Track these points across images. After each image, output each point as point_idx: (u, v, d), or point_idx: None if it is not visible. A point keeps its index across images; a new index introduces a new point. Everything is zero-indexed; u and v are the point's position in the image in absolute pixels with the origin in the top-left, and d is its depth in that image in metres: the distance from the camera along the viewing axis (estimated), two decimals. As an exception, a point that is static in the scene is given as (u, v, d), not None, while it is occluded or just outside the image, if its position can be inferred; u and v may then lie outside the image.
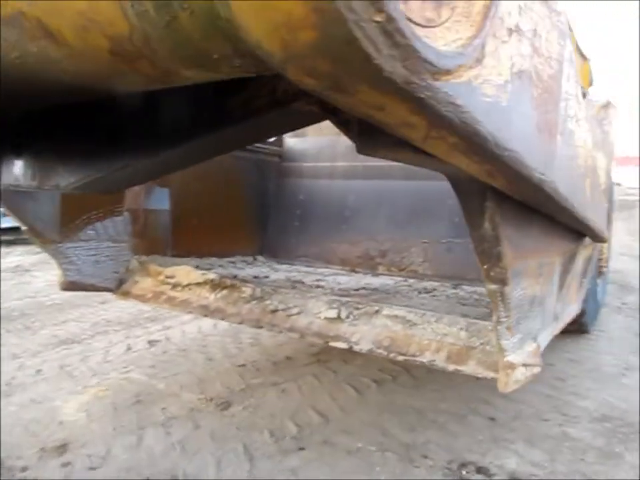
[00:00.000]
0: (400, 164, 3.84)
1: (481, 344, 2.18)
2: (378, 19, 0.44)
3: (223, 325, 4.08)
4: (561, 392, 3.21)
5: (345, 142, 4.00)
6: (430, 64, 0.50)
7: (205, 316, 2.90)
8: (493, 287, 1.48)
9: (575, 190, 1.53)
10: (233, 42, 0.53)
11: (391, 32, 0.45)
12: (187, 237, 3.65)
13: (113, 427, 2.73)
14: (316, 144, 4.21)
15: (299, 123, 1.08)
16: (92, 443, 2.57)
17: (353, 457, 2.47)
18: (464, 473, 2.36)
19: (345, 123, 0.90)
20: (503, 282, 1.44)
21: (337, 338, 2.46)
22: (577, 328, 3.86)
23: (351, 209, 3.86)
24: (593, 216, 2.14)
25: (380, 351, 2.33)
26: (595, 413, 2.95)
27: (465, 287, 3.27)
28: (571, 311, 2.86)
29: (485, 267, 1.41)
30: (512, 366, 1.74)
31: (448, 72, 0.53)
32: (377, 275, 3.64)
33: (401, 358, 2.27)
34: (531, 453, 2.52)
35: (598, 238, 2.46)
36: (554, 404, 3.05)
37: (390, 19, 0.44)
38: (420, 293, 3.05)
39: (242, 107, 0.98)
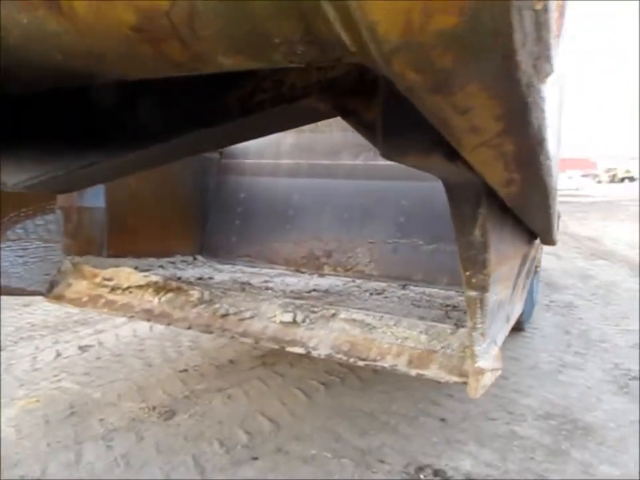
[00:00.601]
0: (346, 162, 3.80)
1: (442, 347, 2.17)
2: (537, 7, 0.37)
3: (159, 327, 3.90)
4: (504, 390, 3.28)
5: (289, 139, 3.90)
6: (550, 66, 0.44)
7: (149, 321, 2.73)
8: (473, 293, 1.45)
9: (554, 189, 1.53)
10: (309, 22, 0.45)
11: (541, 24, 0.38)
12: (123, 236, 3.44)
13: (47, 443, 2.52)
14: (259, 141, 4.08)
15: (303, 120, 0.99)
16: (24, 461, 2.35)
17: (309, 466, 2.40)
18: (422, 476, 2.34)
19: (367, 124, 0.82)
20: (484, 289, 1.42)
21: (293, 343, 2.38)
22: (515, 326, 3.98)
23: (295, 208, 3.77)
24: (553, 214, 2.18)
25: (339, 356, 2.27)
26: (539, 410, 3.03)
27: (412, 287, 3.27)
28: (517, 311, 2.93)
29: (468, 273, 1.37)
30: (482, 371, 1.73)
31: (547, 76, 0.47)
32: (323, 275, 3.58)
33: (361, 363, 2.22)
34: (483, 453, 2.55)
35: (550, 239, 2.51)
36: (499, 402, 3.11)
37: (546, 9, 0.37)
38: (371, 294, 3.02)
39: (241, 102, 0.88)
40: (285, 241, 3.68)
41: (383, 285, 3.33)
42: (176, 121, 0.93)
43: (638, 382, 3.50)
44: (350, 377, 3.39)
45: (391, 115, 0.72)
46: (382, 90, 0.71)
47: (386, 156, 0.78)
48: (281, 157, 3.93)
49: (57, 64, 0.70)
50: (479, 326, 1.59)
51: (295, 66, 0.63)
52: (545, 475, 2.40)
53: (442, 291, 3.12)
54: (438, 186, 3.42)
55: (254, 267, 3.67)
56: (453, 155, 0.77)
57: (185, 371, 3.46)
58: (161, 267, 3.53)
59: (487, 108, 0.45)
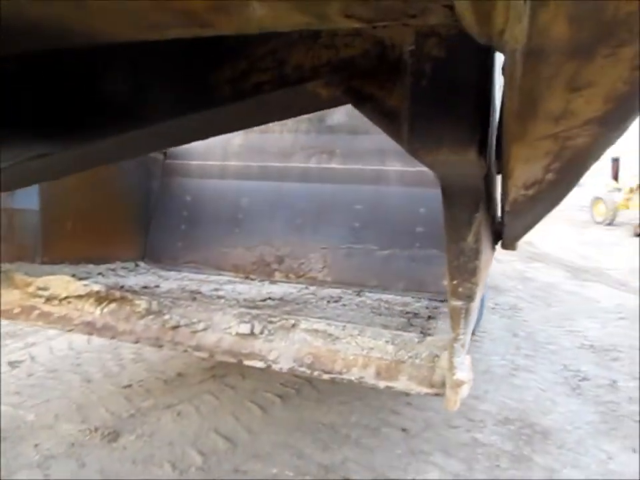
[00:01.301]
0: (298, 165, 3.67)
1: (410, 357, 2.07)
2: None
3: (98, 339, 3.64)
4: (461, 396, 3.23)
5: (237, 140, 3.73)
6: None
7: (90, 335, 2.50)
8: (458, 303, 1.35)
9: None
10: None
11: None
12: (59, 241, 3.18)
13: (-25, 475, 2.25)
14: (205, 141, 3.88)
15: (308, 107, 0.84)
16: (-52, 498, 2.09)
17: (271, 486, 2.25)
18: (389, 492, 2.25)
19: (388, 113, 0.70)
20: (470, 298, 1.33)
21: (251, 356, 2.22)
22: (467, 330, 3.98)
23: (244, 212, 3.59)
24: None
25: (302, 369, 2.13)
26: (498, 416, 3.00)
27: (368, 294, 3.18)
28: (476, 317, 2.90)
29: (455, 282, 1.28)
30: (462, 383, 1.64)
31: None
32: (274, 282, 3.43)
33: (326, 376, 2.09)
34: (450, 463, 2.48)
35: (514, 244, 2.48)
36: (458, 409, 3.06)
37: None
38: (328, 302, 2.90)
39: (233, 84, 0.74)
40: (234, 247, 3.49)
41: (337, 291, 3.23)
42: (152, 105, 0.78)
43: (588, 382, 3.55)
44: (306, 388, 3.26)
45: (421, 100, 0.60)
46: (409, 70, 0.59)
47: (413, 150, 0.66)
48: (229, 159, 3.75)
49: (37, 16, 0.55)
50: (461, 337, 1.50)
51: (352, 26, 0.50)
52: (512, 483, 2.36)
53: (399, 297, 3.04)
54: (393, 190, 3.37)
55: (201, 273, 3.48)
56: (483, 148, 0.67)
57: (129, 386, 3.23)
58: (101, 274, 3.28)
59: (611, 83, 0.35)
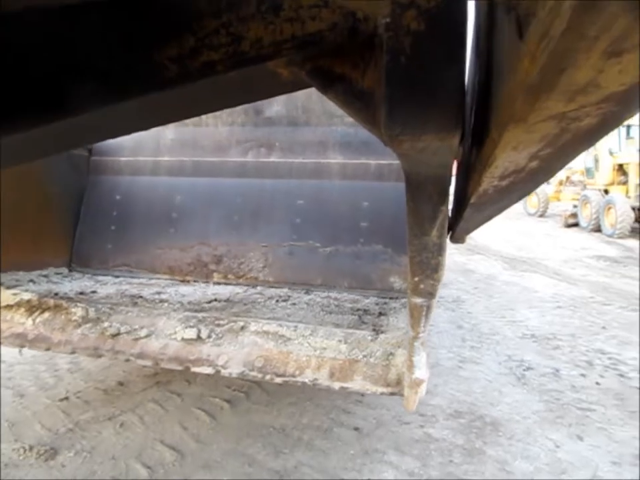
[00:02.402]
0: (234, 159, 3.51)
1: (364, 356, 2.03)
2: None
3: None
4: (412, 391, 3.23)
5: (170, 134, 3.53)
6: None
7: (22, 347, 2.32)
8: (419, 300, 1.31)
9: None
10: None
11: None
12: (-17, 247, 2.95)
13: None
14: (135, 135, 3.61)
15: (267, 90, 0.75)
16: None
17: (222, 497, 2.15)
18: (345, 495, 2.20)
19: (361, 95, 0.62)
20: (431, 295, 1.28)
21: (199, 362, 2.12)
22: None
23: (178, 210, 3.35)
24: None
25: (253, 373, 2.05)
26: (448, 409, 3.01)
27: (316, 292, 3.10)
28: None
29: (417, 279, 1.22)
30: (421, 382, 1.60)
31: None
32: (217, 283, 3.28)
33: (278, 380, 2.01)
34: (404, 461, 2.45)
35: (464, 237, 2.47)
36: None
37: None
38: (277, 301, 2.81)
39: (179, 62, 0.64)
40: (169, 247, 3.28)
41: (286, 290, 3.14)
42: (83, 88, 0.67)
43: (532, 372, 3.63)
44: (255, 390, 3.17)
45: (400, 80, 0.54)
46: (386, 46, 0.52)
47: (391, 136, 0.59)
48: (161, 154, 3.52)
49: None
50: (421, 335, 1.46)
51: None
52: (466, 477, 2.35)
53: (347, 294, 2.99)
54: (335, 184, 3.29)
55: (134, 277, 3.28)
56: (462, 134, 0.61)
57: (66, 399, 3.04)
58: (32, 281, 3.07)
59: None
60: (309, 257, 3.12)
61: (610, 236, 12.35)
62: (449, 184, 0.97)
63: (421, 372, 1.61)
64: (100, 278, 3.30)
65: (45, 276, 3.18)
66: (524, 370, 3.66)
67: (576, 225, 14.52)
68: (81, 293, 2.82)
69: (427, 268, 1.21)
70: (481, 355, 3.96)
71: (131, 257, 3.30)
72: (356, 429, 2.76)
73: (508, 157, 0.60)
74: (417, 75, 0.54)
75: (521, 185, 0.85)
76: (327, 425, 2.78)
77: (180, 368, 2.12)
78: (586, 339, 4.45)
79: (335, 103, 0.66)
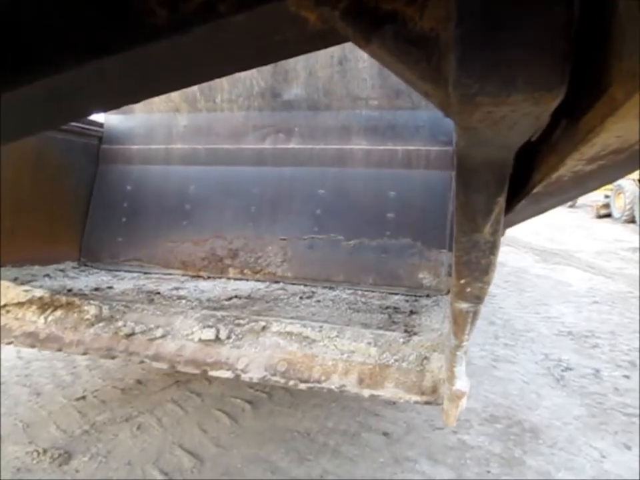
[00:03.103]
0: (251, 147, 3.30)
1: (396, 361, 1.86)
2: None
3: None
4: (443, 393, 3.05)
5: (183, 120, 3.33)
6: None
7: (33, 347, 2.21)
8: (465, 305, 1.13)
9: None
10: None
11: None
12: (-2, 241, 2.84)
13: None
14: (146, 122, 3.43)
15: (287, 46, 0.56)
16: None
17: (243, 510, 2.01)
18: (374, 509, 2.04)
19: (418, 42, 0.44)
20: (479, 299, 1.10)
21: (218, 365, 1.97)
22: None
23: (192, 202, 3.17)
24: None
25: (275, 378, 1.89)
26: (483, 413, 2.82)
27: (341, 287, 2.92)
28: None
29: (462, 281, 1.05)
30: (462, 395, 1.43)
31: None
32: (233, 279, 3.09)
33: (303, 386, 1.85)
34: (437, 471, 2.28)
35: (503, 232, 2.29)
36: (441, 408, 2.87)
37: None
38: (301, 298, 2.65)
39: (172, 4, 0.48)
40: (182, 241, 3.11)
41: (308, 286, 2.96)
42: (58, 40, 0.51)
43: (571, 373, 3.42)
44: (278, 391, 3.02)
45: (478, 14, 0.37)
46: None
47: (463, 100, 0.42)
48: (174, 141, 3.34)
49: None
50: (464, 344, 1.28)
51: None
52: (505, 490, 2.17)
53: (373, 292, 2.79)
54: (359, 172, 3.08)
55: (145, 272, 3.12)
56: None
57: (83, 398, 2.93)
58: (48, 276, 2.96)
59: None
60: (330, 251, 2.90)
61: (645, 227, 11.93)
62: (510, 169, 0.79)
63: (462, 383, 1.43)
64: (119, 273, 3.18)
65: (62, 270, 3.07)
66: (562, 370, 3.45)
67: (608, 215, 14.09)
68: (97, 289, 2.69)
69: (476, 269, 1.03)
70: (516, 353, 3.75)
71: (142, 251, 3.12)
72: (385, 434, 2.59)
73: (621, 128, 0.42)
74: (504, 6, 0.37)
75: (609, 171, 0.67)
76: (354, 429, 2.63)
77: (197, 371, 1.97)
78: (627, 337, 4.20)
79: (380, 57, 0.49)
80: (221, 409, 2.78)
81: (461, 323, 1.20)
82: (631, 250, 8.94)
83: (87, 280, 2.94)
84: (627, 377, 3.37)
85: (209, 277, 3.05)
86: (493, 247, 0.97)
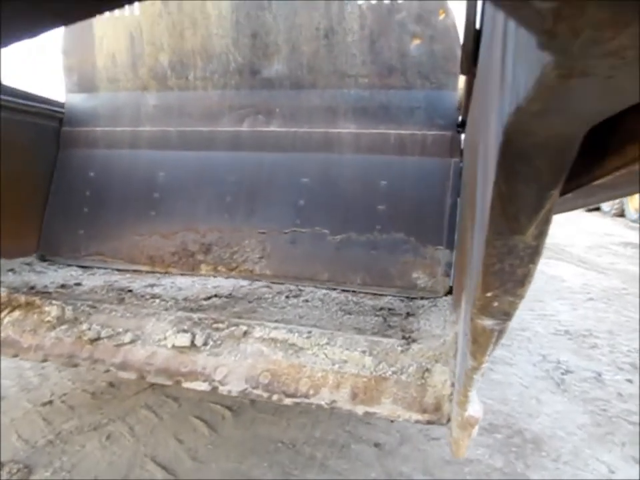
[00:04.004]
0: (227, 129, 2.95)
1: (394, 373, 1.65)
2: None
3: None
4: (438, 398, 2.86)
5: (152, 100, 3.03)
6: None
7: (-14, 352, 1.98)
8: (489, 322, 0.92)
9: None
10: None
11: None
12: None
13: None
14: (111, 102, 3.09)
15: None
16: None
17: (220, 536, 1.80)
18: (366, 535, 1.84)
19: None
20: (507, 316, 0.90)
21: (192, 376, 1.75)
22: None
23: (161, 190, 2.88)
24: None
25: (257, 392, 1.68)
26: (482, 422, 2.62)
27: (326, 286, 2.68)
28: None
29: (489, 294, 0.84)
30: (475, 422, 1.22)
31: None
32: (205, 276, 2.80)
33: (288, 401, 1.65)
34: (435, 489, 2.09)
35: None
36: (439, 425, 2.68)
37: None
38: (287, 297, 2.43)
39: None
40: (150, 234, 2.84)
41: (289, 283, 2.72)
42: None
43: (571, 376, 3.24)
44: (261, 395, 2.80)
45: None
46: None
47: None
48: (142, 123, 3.03)
49: None
50: (484, 365, 1.07)
51: None
52: (508, 511, 1.99)
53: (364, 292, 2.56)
54: (347, 159, 2.71)
55: (107, 267, 2.83)
56: None
57: (50, 403, 2.70)
58: (12, 270, 2.71)
59: None
60: (314, 247, 2.65)
61: (634, 221, 11.86)
62: (576, 153, 0.58)
63: (475, 408, 1.23)
64: (86, 267, 2.90)
65: (29, 264, 2.82)
66: (562, 373, 3.28)
67: (597, 209, 14.03)
68: (63, 286, 2.45)
69: (509, 280, 0.81)
70: (513, 354, 3.57)
71: (105, 244, 2.86)
72: (377, 445, 2.40)
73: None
74: None
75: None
76: (343, 440, 2.42)
77: (169, 383, 1.75)
78: (625, 336, 4.05)
79: None
80: (199, 416, 2.57)
81: (482, 343, 0.99)
82: (622, 244, 8.84)
83: (54, 275, 2.69)
84: (629, 381, 3.20)
85: (182, 274, 2.78)
86: (534, 254, 0.76)
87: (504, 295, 0.86)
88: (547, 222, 0.72)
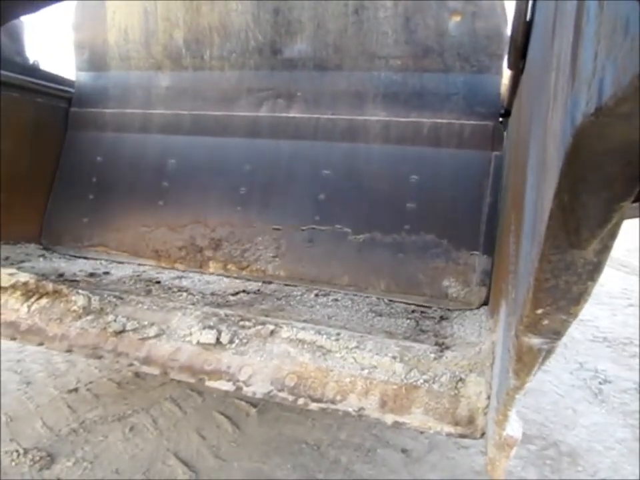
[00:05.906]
0: (244, 114, 2.64)
1: (425, 381, 1.57)
2: None
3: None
4: (469, 403, 2.77)
5: (164, 79, 2.88)
6: None
7: (14, 339, 1.97)
8: (537, 341, 0.84)
9: None
10: None
11: None
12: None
13: None
14: (122, 82, 2.93)
15: None
16: None
17: (240, 540, 1.76)
18: None
19: None
20: (558, 335, 0.81)
21: (217, 374, 1.70)
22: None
23: (171, 178, 2.72)
24: None
25: (282, 394, 1.62)
26: (514, 431, 2.53)
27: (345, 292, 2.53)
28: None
29: (539, 311, 0.76)
30: (514, 443, 1.13)
31: None
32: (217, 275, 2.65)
33: (314, 406, 1.58)
34: (464, 502, 2.01)
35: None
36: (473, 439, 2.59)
37: None
38: (317, 295, 2.36)
39: None
40: (156, 225, 2.69)
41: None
42: None
43: (610, 386, 3.10)
44: (286, 392, 2.75)
45: None
46: None
47: None
48: (154, 105, 2.87)
49: None
50: (527, 385, 0.99)
51: None
52: (541, 529, 1.89)
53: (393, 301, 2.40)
54: (374, 149, 2.43)
55: (108, 260, 2.73)
56: None
57: (75, 390, 2.70)
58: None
59: None
60: (334, 247, 2.45)
61: (678, 224, 11.44)
62: (632, 169, 0.50)
63: (514, 427, 1.14)
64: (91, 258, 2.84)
65: (28, 254, 2.77)
66: (600, 383, 3.14)
67: (638, 210, 13.58)
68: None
69: (563, 297, 0.73)
70: (548, 360, 3.43)
71: (109, 234, 2.75)
72: (404, 451, 2.32)
73: None
74: None
75: None
76: (369, 444, 2.35)
77: (192, 380, 1.71)
78: (668, 346, 3.87)
79: None
80: (223, 412, 2.53)
81: (527, 362, 0.91)
82: (664, 248, 8.51)
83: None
84: (672, 394, 3.05)
85: (186, 271, 2.65)
86: (594, 271, 0.68)
87: (556, 312, 0.78)
88: (612, 236, 0.64)
